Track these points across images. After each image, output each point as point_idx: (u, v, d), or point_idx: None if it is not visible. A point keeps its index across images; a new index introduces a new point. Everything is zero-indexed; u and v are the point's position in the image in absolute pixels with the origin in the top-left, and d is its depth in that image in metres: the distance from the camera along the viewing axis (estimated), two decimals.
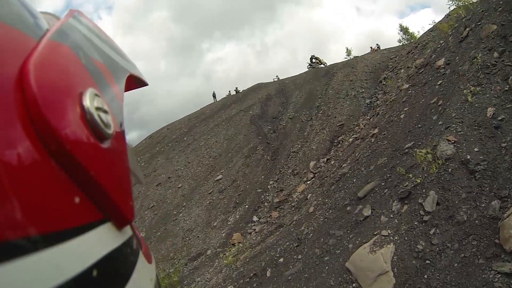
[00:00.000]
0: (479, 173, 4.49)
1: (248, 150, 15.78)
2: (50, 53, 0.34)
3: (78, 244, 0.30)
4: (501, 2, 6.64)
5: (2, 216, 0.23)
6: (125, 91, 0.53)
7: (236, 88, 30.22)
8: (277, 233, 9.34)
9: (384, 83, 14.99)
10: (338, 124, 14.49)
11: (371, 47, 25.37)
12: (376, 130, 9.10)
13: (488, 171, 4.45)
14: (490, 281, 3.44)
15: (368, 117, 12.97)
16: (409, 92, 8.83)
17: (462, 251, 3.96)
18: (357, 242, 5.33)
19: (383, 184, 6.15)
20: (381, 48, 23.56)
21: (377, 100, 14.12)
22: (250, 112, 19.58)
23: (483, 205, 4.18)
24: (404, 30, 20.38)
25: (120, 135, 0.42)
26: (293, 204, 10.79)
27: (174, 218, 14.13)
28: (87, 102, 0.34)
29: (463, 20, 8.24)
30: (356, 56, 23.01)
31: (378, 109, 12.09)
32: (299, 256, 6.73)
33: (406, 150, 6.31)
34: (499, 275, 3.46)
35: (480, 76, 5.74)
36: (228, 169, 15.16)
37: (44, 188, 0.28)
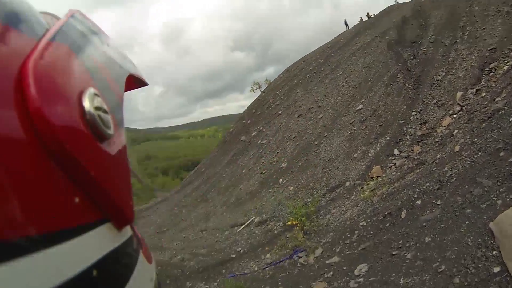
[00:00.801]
0: None
1: (388, 78, 14.22)
2: (50, 53, 0.34)
3: (78, 244, 0.30)
4: None
5: (2, 216, 0.23)
6: (125, 91, 0.53)
7: (368, 13, 27.45)
8: (418, 170, 8.63)
9: None
10: (488, 48, 11.20)
11: None
12: None
13: None
14: None
15: None
16: None
17: None
18: (508, 199, 4.44)
19: None
20: None
21: None
22: (386, 38, 17.29)
23: None
24: None
25: (120, 135, 0.42)
26: (436, 140, 9.52)
27: (315, 148, 14.60)
28: (86, 102, 0.35)
29: None
30: None
31: None
32: (438, 202, 6.20)
33: None
34: None
35: None
36: (368, 99, 14.22)
37: (44, 188, 0.28)
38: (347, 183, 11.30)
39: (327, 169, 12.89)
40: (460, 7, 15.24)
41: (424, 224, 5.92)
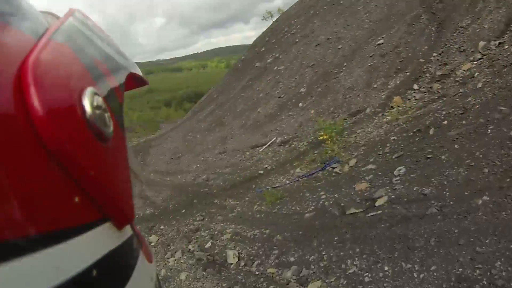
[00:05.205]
0: None
1: (410, 18, 14.90)
2: (50, 52, 0.34)
3: (77, 244, 0.30)
4: None
5: (1, 216, 0.23)
6: (125, 91, 0.53)
7: None
8: (440, 101, 9.96)
9: None
10: None
11: None
12: None
13: None
14: None
15: None
16: None
17: None
18: None
19: None
20: None
21: None
22: None
23: None
24: None
25: (120, 135, 0.43)
26: (457, 79, 10.74)
27: (334, 76, 15.39)
28: (86, 101, 0.35)
29: None
30: None
31: None
32: (463, 122, 7.67)
33: None
34: None
35: None
36: (389, 35, 15.02)
37: (43, 188, 0.28)
38: (368, 110, 12.49)
39: (348, 95, 13.92)
40: None
41: (452, 138, 7.52)
